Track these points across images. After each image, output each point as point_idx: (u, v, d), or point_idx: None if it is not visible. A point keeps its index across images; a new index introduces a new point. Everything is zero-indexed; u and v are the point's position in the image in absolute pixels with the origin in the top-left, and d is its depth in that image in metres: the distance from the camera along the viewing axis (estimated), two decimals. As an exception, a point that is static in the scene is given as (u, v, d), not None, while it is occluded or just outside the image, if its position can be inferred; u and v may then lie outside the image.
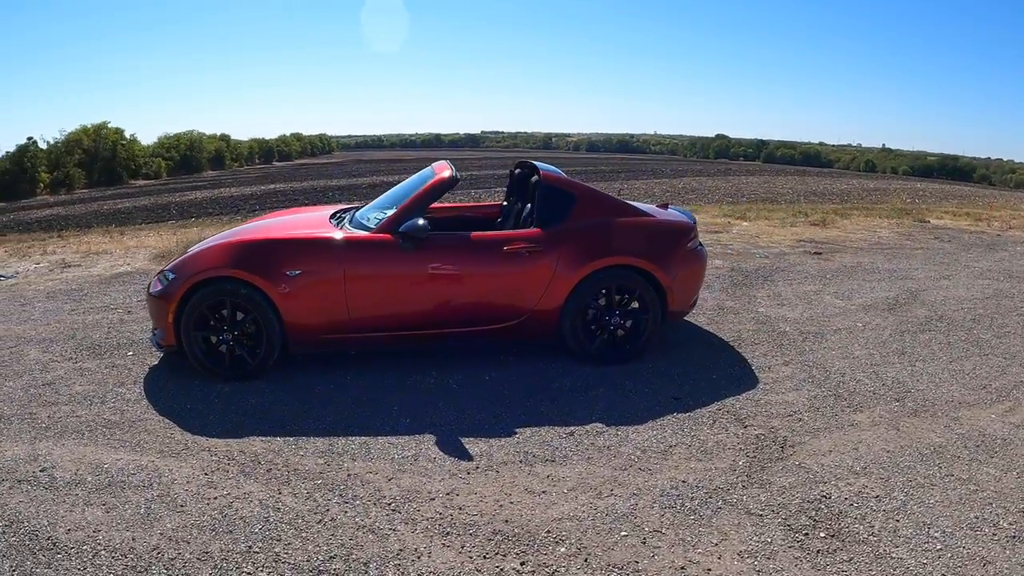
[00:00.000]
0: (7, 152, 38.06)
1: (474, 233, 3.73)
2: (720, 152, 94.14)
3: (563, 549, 2.23)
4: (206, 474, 2.63)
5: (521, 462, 2.76)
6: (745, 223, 9.17)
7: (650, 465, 2.77)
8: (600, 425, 3.10)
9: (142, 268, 6.11)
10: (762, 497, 2.54)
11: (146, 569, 2.09)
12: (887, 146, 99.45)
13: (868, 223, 9.44)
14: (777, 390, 3.53)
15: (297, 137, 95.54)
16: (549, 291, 3.67)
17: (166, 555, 2.16)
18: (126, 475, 2.61)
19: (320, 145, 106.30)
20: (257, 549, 2.19)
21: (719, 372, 3.76)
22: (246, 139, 76.90)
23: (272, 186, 31.47)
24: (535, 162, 4.20)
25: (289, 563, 2.13)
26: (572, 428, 3.06)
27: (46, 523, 2.31)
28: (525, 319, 3.69)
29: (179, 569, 2.10)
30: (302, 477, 2.63)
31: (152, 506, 2.41)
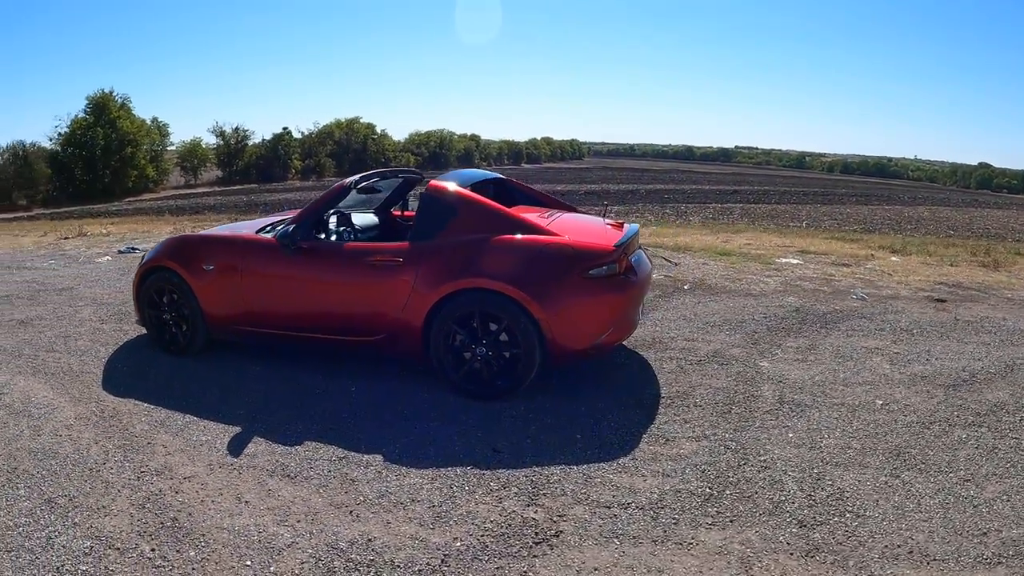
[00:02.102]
0: (264, 139, 48.91)
1: (348, 243, 4.24)
2: (982, 182, 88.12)
3: (193, 553, 2.61)
4: (76, 419, 3.75)
5: (268, 471, 3.25)
6: (894, 257, 8.17)
7: (365, 512, 2.87)
8: (378, 458, 3.35)
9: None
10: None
11: (-23, 469, 3.24)
12: None
13: (1060, 269, 7.53)
14: (641, 471, 3.14)
15: (547, 141, 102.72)
16: (407, 309, 3.86)
17: (-4, 464, 3.29)
18: (36, 407, 3.87)
19: (570, 150, 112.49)
20: (36, 476, 3.16)
21: (594, 432, 3.53)
22: (497, 140, 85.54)
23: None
24: (474, 170, 4.55)
25: (38, 491, 3.04)
26: (351, 454, 3.39)
27: (-37, 425, 3.61)
28: (387, 336, 3.98)
29: (-10, 474, 3.20)
30: (123, 436, 3.56)
31: (24, 430, 3.60)
